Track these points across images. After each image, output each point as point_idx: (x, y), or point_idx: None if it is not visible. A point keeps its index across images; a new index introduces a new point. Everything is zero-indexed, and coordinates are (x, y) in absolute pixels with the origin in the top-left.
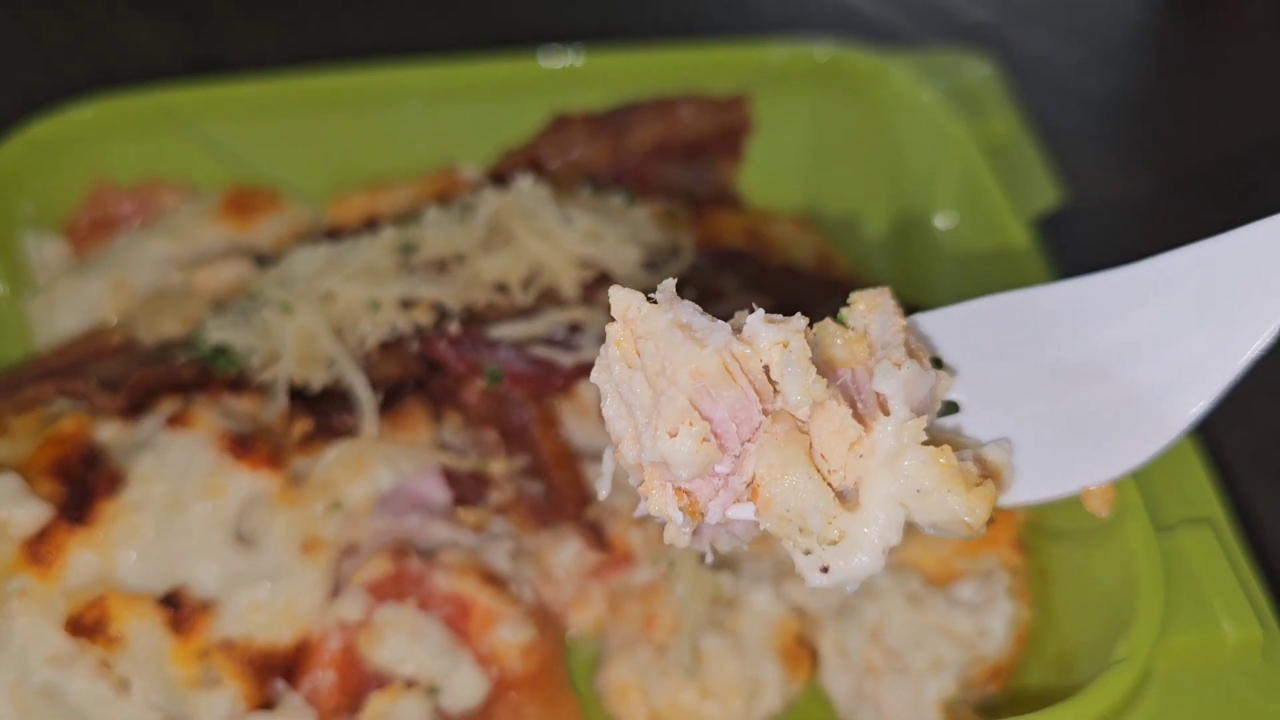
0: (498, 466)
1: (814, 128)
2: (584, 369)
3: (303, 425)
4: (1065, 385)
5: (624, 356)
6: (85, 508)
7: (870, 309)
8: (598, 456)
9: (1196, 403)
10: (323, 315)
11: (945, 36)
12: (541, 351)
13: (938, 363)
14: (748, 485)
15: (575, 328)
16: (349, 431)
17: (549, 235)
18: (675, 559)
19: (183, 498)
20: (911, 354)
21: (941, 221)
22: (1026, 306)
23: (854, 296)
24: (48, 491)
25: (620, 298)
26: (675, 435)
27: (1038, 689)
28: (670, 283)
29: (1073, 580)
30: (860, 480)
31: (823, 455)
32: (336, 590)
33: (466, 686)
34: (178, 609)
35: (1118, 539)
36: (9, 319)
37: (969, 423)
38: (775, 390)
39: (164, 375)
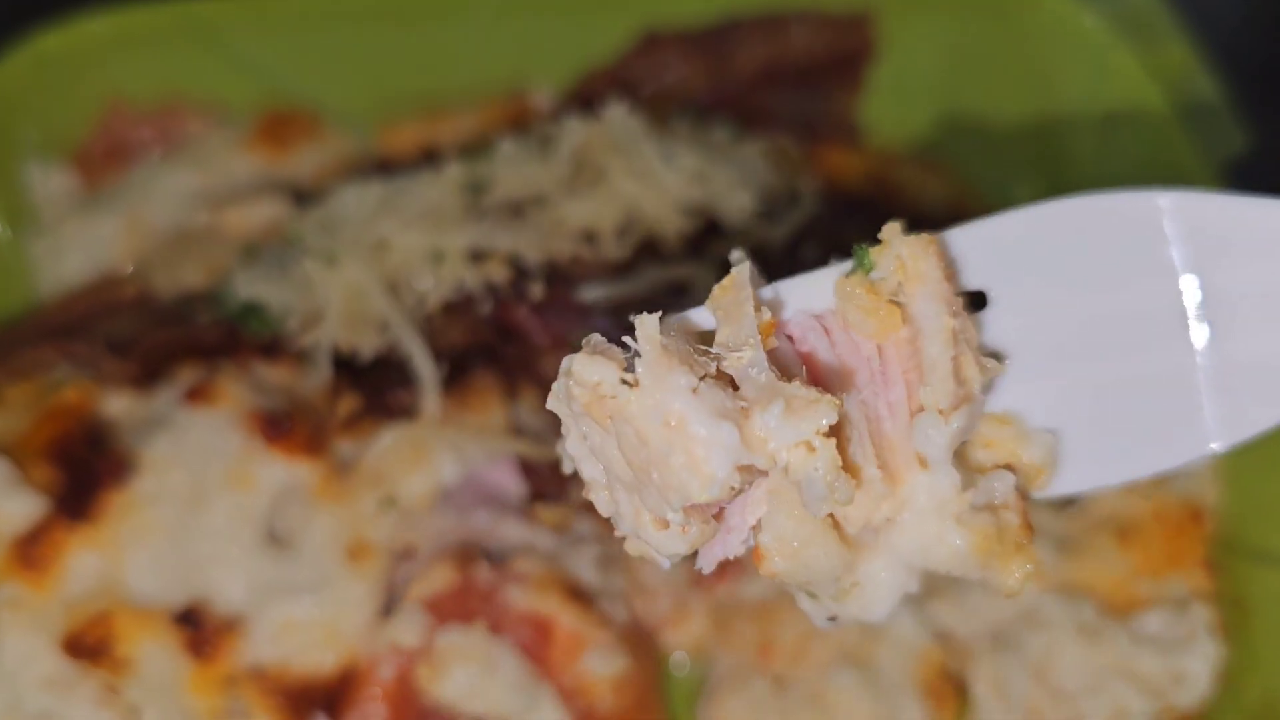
0: None
1: (949, 55)
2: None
3: (349, 402)
4: (1137, 339)
5: (595, 419)
6: (87, 500)
7: (912, 267)
8: None
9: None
10: (375, 268)
11: None
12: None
13: (978, 299)
14: (746, 541)
15: (680, 289)
16: (406, 411)
17: (647, 176)
18: None
19: (204, 490)
20: (956, 367)
21: (1102, 169)
22: (1108, 218)
23: (888, 233)
24: (43, 479)
25: (587, 372)
26: (664, 528)
27: None
28: (650, 333)
29: None
30: (884, 526)
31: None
32: (389, 606)
33: None
34: (197, 627)
35: None
36: (9, 263)
37: (1014, 385)
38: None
39: (184, 338)
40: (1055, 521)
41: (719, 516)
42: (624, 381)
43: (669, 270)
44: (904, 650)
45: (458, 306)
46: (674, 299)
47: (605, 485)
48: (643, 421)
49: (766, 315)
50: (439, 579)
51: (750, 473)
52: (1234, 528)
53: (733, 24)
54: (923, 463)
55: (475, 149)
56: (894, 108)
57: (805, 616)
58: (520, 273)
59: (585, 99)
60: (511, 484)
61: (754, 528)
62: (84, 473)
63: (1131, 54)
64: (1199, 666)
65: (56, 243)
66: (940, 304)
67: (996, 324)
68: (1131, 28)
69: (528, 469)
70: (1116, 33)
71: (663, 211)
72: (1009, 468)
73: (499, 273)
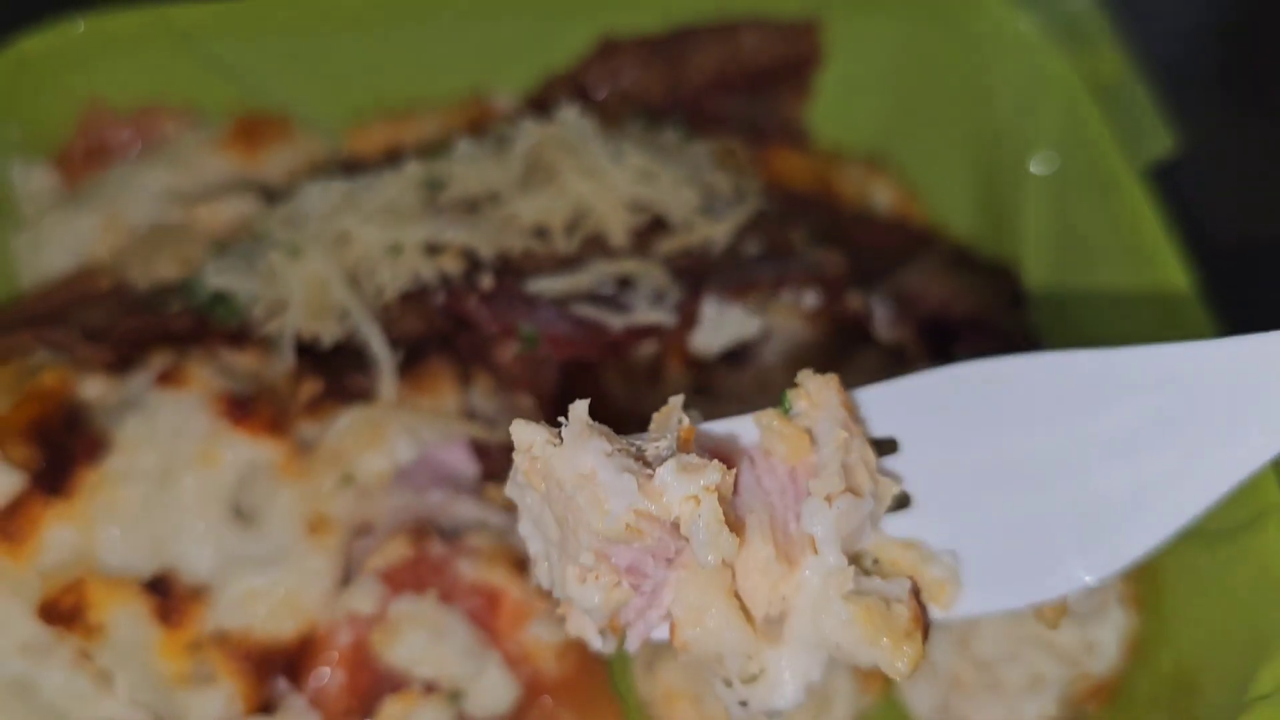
0: None
1: (892, 60)
2: (634, 332)
3: (311, 386)
4: (1025, 482)
5: (533, 485)
6: (63, 476)
7: (816, 406)
8: (645, 425)
9: (1162, 527)
10: (336, 260)
11: None
12: (586, 310)
13: (888, 446)
14: (664, 618)
15: (625, 282)
16: (364, 394)
17: (596, 173)
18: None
19: (173, 467)
20: (849, 472)
21: (1037, 168)
22: (995, 381)
23: (801, 377)
24: (21, 457)
25: (522, 434)
26: (583, 581)
27: (1148, 709)
28: (579, 413)
29: (1195, 588)
30: (785, 613)
31: (745, 592)
32: (347, 577)
33: (494, 691)
34: (166, 595)
35: (1257, 544)
36: None
37: (918, 520)
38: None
39: (156, 326)
40: None
41: (636, 587)
42: (550, 443)
43: (615, 264)
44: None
45: (414, 297)
46: (622, 291)
47: (545, 557)
48: (563, 473)
49: (686, 423)
50: (394, 552)
51: (653, 524)
52: None
53: (686, 31)
54: (814, 547)
55: (435, 149)
56: (840, 111)
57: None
58: (474, 265)
59: (544, 103)
60: (464, 464)
61: (666, 616)
62: (60, 451)
63: (1066, 58)
64: (1109, 635)
65: (37, 237)
66: (834, 422)
67: (904, 467)
68: (1066, 33)
69: (480, 450)
70: (1052, 38)
71: (611, 208)
72: (913, 581)
73: (453, 265)
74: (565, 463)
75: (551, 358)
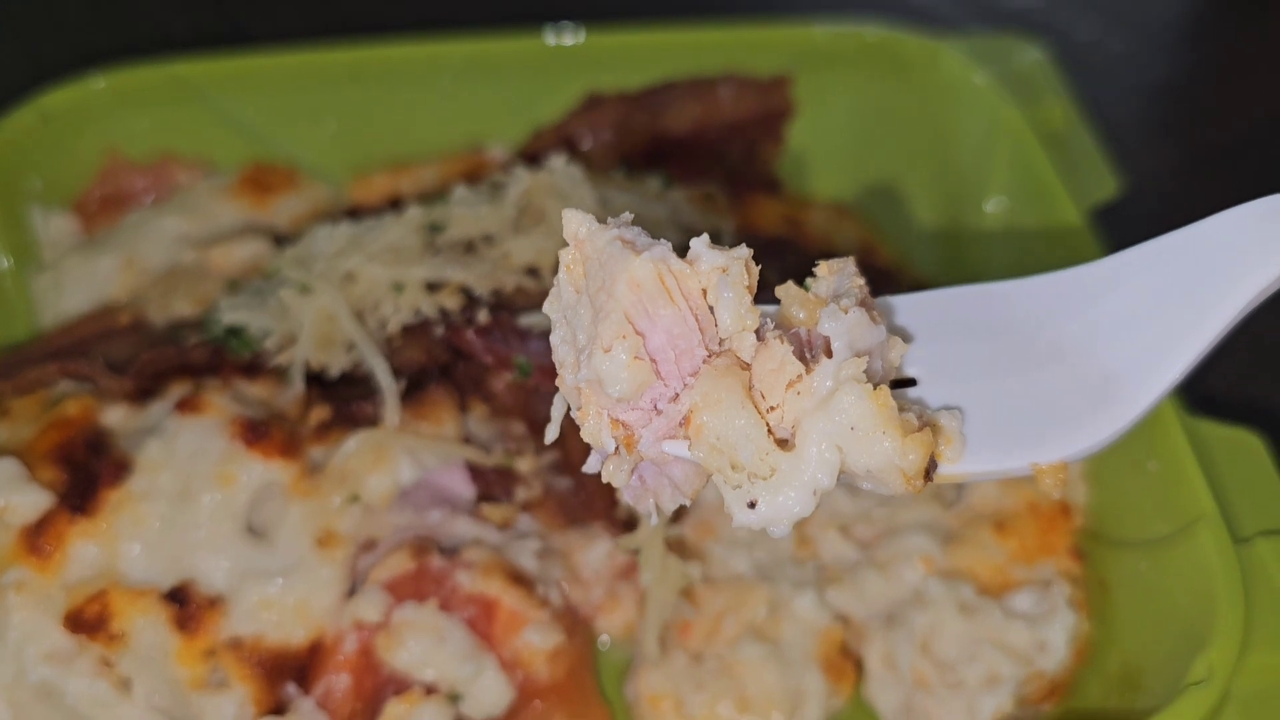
0: (525, 463)
1: (858, 112)
2: None
3: (320, 413)
4: (1026, 368)
5: (572, 281)
6: (88, 496)
7: (832, 274)
8: None
9: (1158, 383)
10: (343, 296)
11: (990, 22)
12: None
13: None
14: (684, 421)
15: None
16: (369, 420)
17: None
18: (642, 546)
19: (191, 487)
20: (864, 308)
21: (992, 209)
22: (993, 297)
23: (820, 264)
24: (49, 478)
25: (571, 219)
26: (609, 350)
27: (1098, 707)
28: (626, 215)
29: (1137, 592)
30: (797, 423)
31: (762, 394)
32: (353, 588)
33: (490, 693)
34: (184, 605)
35: (1189, 550)
36: (14, 296)
37: (923, 396)
38: (714, 318)
39: (174, 357)
40: (942, 516)
41: (658, 374)
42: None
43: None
44: (807, 629)
45: (415, 330)
46: None
47: (574, 361)
48: (605, 245)
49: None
50: (397, 565)
51: (681, 298)
52: (1098, 521)
53: (667, 86)
54: (828, 350)
55: (434, 196)
56: (810, 159)
57: (720, 598)
58: (471, 301)
59: (535, 153)
60: (462, 486)
61: (686, 418)
62: (85, 473)
63: (1018, 109)
64: (1058, 635)
65: (57, 279)
66: (851, 275)
67: (910, 356)
68: (1018, 86)
69: (476, 473)
70: (1005, 91)
71: None
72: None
73: (452, 301)
74: (607, 233)
75: (542, 387)
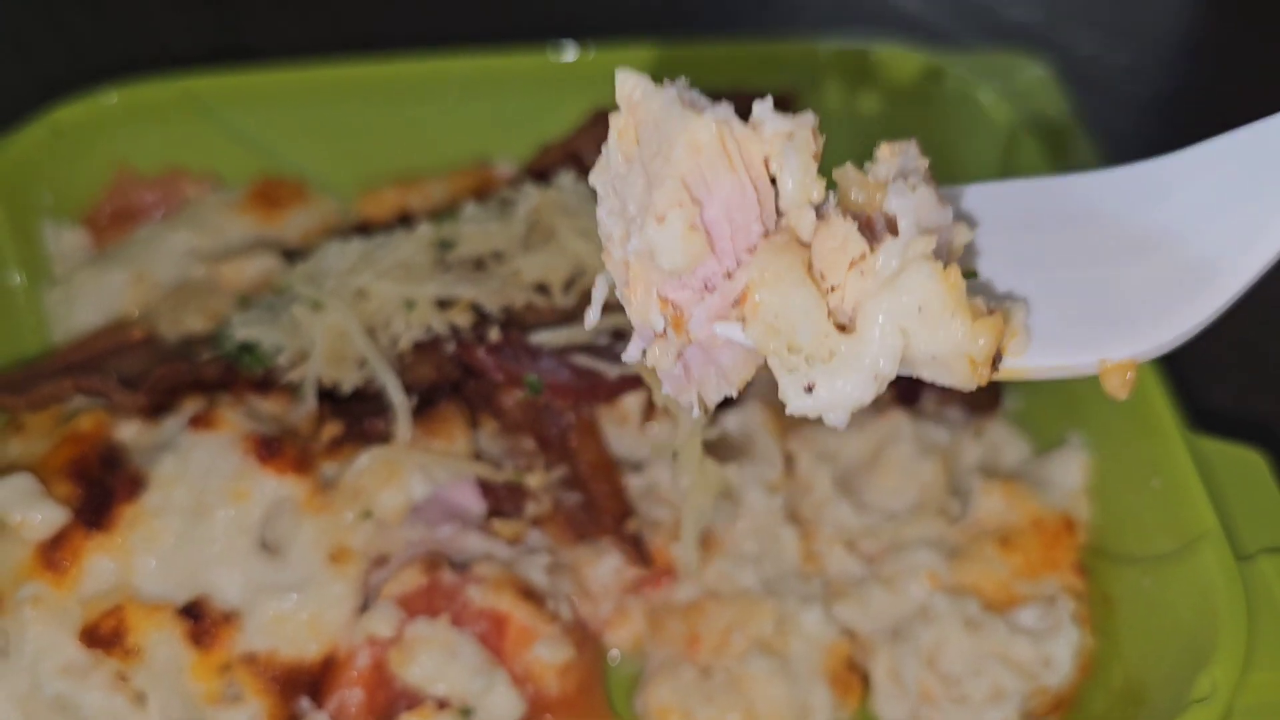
0: (535, 480)
1: (863, 127)
2: (629, 381)
3: (332, 429)
4: (1096, 260)
5: (623, 149)
6: (103, 511)
7: (894, 156)
8: (639, 467)
9: (1247, 268)
10: (355, 313)
11: (991, 36)
12: (584, 360)
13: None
14: (738, 302)
15: (620, 334)
16: (381, 436)
17: (592, 235)
18: (679, 447)
19: (205, 503)
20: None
21: None
22: (1062, 189)
23: (881, 146)
24: (64, 494)
25: (625, 79)
26: (663, 220)
27: None
28: (683, 79)
29: (1141, 608)
30: (859, 305)
31: (822, 274)
32: (366, 603)
33: (502, 707)
34: (199, 620)
35: (1193, 567)
36: (26, 310)
37: (988, 285)
38: (775, 190)
39: (187, 373)
40: (947, 532)
41: (713, 249)
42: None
43: (611, 318)
44: (814, 644)
45: (426, 347)
46: (617, 343)
47: (623, 235)
48: (664, 107)
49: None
50: (409, 580)
51: (742, 165)
52: (1102, 537)
53: None
54: (894, 228)
55: (444, 212)
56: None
57: (727, 613)
58: (481, 318)
59: (542, 169)
60: (472, 501)
61: (741, 298)
62: (100, 488)
63: (1022, 125)
64: (1063, 650)
65: (68, 293)
66: (914, 157)
67: (977, 251)
68: (1022, 102)
69: (487, 489)
70: (1009, 107)
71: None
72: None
73: (463, 318)
74: (667, 94)
75: (552, 404)
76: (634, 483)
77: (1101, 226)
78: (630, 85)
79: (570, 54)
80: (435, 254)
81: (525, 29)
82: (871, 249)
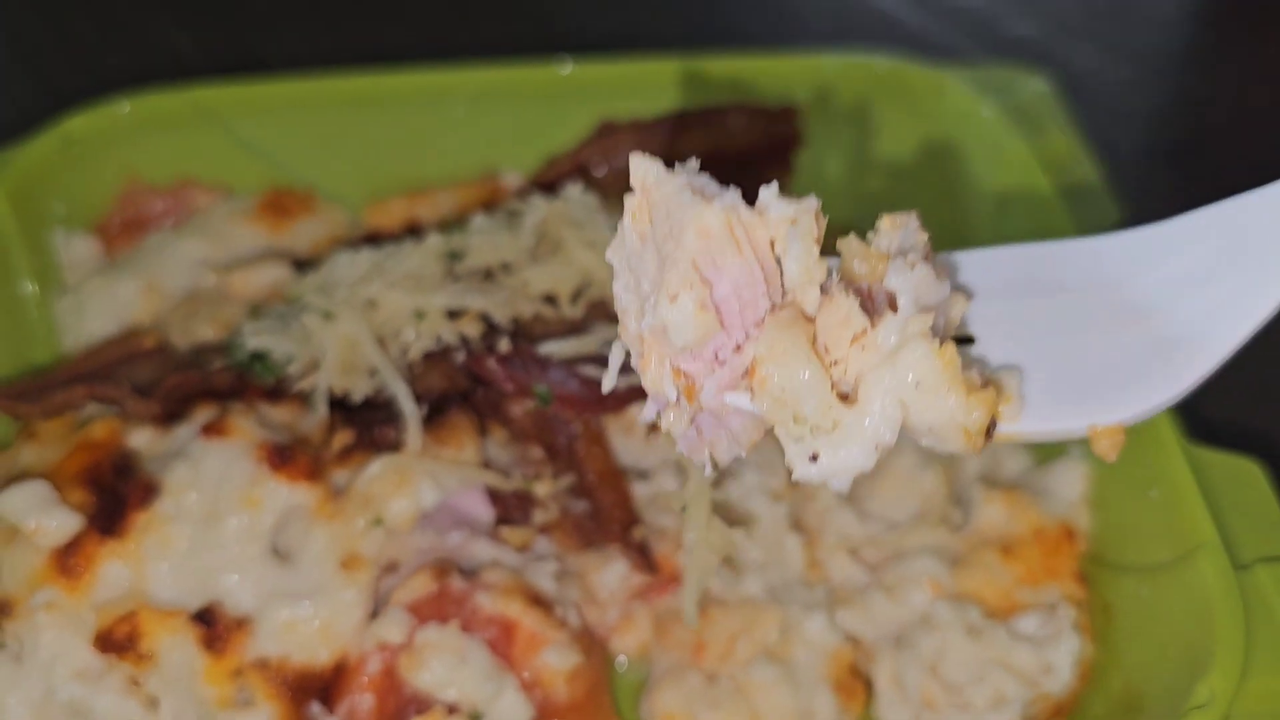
0: (542, 488)
1: (866, 141)
2: (636, 391)
3: (343, 437)
4: (1087, 326)
5: (638, 228)
6: (117, 518)
7: (895, 229)
8: (645, 475)
9: (1226, 341)
10: (365, 323)
11: (990, 50)
12: (592, 371)
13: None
14: (746, 373)
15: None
16: (391, 445)
17: (599, 245)
18: (688, 502)
19: (218, 509)
20: (928, 262)
21: (999, 241)
22: (1054, 255)
23: (883, 218)
24: (78, 500)
25: (639, 164)
26: (675, 299)
27: None
28: (694, 161)
29: (1140, 616)
30: (860, 377)
31: (826, 347)
32: (376, 609)
33: (511, 713)
34: (211, 626)
35: (1191, 576)
36: (37, 319)
37: (983, 352)
38: (781, 271)
39: (199, 381)
40: (949, 540)
41: (722, 323)
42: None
43: (618, 328)
44: (818, 651)
45: (436, 356)
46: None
47: (637, 309)
48: (674, 192)
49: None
50: (419, 586)
51: (750, 249)
52: (1102, 546)
53: (678, 114)
54: (894, 304)
55: (453, 223)
56: (818, 187)
57: (733, 620)
58: (490, 329)
59: (549, 180)
60: (482, 509)
61: (749, 369)
62: (113, 495)
63: (1023, 140)
64: (1064, 658)
65: (80, 301)
66: (914, 230)
67: (970, 314)
68: (1023, 118)
69: (495, 497)
70: (1010, 122)
71: (612, 277)
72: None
73: (472, 329)
74: (676, 179)
75: (560, 413)
76: (640, 491)
77: (1091, 294)
78: (644, 170)
79: (577, 67)
80: (444, 265)
81: (533, 42)
82: (873, 323)
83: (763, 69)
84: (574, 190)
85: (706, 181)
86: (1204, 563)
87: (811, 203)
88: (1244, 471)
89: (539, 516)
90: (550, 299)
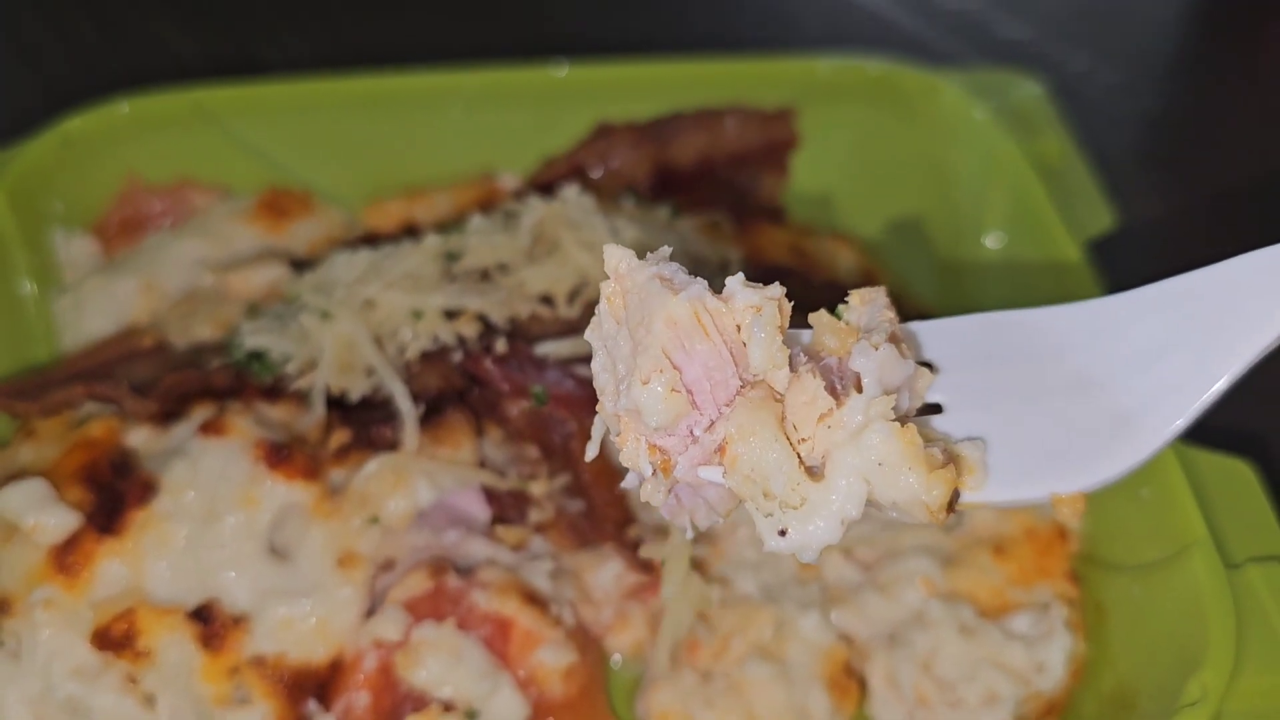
0: (538, 487)
1: (860, 144)
2: None
3: (340, 436)
4: (1047, 398)
5: (613, 312)
6: (115, 516)
7: (864, 304)
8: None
9: (1172, 422)
10: (363, 323)
11: (984, 54)
12: (588, 371)
13: (924, 367)
14: (719, 449)
15: None
16: (388, 444)
17: (595, 247)
18: (666, 558)
19: (215, 508)
20: (893, 342)
21: (991, 242)
22: (1015, 325)
23: (852, 294)
24: (76, 498)
25: (612, 254)
26: (647, 383)
27: None
28: (665, 249)
29: (1131, 615)
30: (827, 454)
31: (794, 425)
32: (373, 607)
33: (506, 710)
34: (209, 623)
35: (1182, 575)
36: (36, 318)
37: (948, 423)
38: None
39: (197, 380)
40: (942, 540)
41: (694, 404)
42: (636, 259)
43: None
44: (812, 649)
45: (433, 356)
46: None
47: (614, 389)
48: (644, 281)
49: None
50: (415, 584)
51: (717, 335)
52: (1094, 546)
53: (674, 116)
54: (859, 385)
55: (450, 224)
56: (813, 189)
57: (727, 619)
58: (487, 329)
59: (546, 181)
60: (478, 508)
61: (721, 446)
62: (112, 494)
63: (1015, 143)
64: (1056, 656)
65: (79, 301)
66: (881, 307)
67: (936, 386)
68: (1016, 120)
69: (491, 496)
70: (1003, 124)
71: None
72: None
73: (469, 329)
74: (646, 269)
75: (555, 413)
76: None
77: (1051, 364)
78: (617, 258)
79: (574, 70)
80: (442, 265)
81: (528, 45)
82: (839, 403)
83: (758, 72)
84: (571, 191)
85: (675, 270)
86: (1195, 562)
87: (775, 290)
88: (1235, 472)
89: (534, 515)
90: (547, 299)
